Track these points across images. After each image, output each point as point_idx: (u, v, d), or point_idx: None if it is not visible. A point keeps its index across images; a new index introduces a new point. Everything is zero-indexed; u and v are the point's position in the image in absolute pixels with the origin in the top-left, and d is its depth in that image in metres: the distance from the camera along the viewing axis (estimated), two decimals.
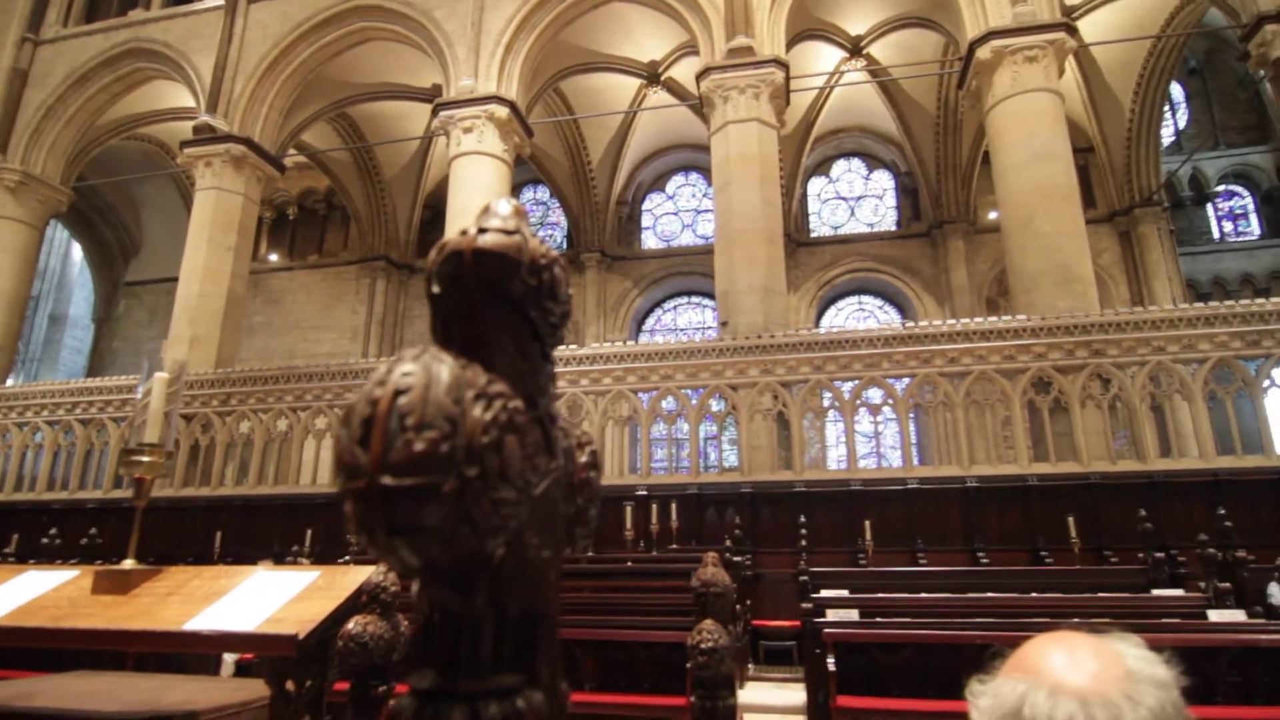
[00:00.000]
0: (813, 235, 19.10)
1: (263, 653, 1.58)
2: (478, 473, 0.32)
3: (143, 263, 21.05)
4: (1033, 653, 0.76)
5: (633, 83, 16.40)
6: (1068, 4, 13.00)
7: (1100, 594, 6.38)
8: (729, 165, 10.97)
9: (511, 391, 0.36)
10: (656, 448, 14.73)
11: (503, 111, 12.03)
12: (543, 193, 20.57)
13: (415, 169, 18.55)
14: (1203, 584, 6.19)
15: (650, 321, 19.76)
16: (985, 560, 8.28)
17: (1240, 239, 20.15)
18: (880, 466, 10.78)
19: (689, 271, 18.53)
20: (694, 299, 19.47)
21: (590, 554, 7.94)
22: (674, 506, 8.81)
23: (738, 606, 6.82)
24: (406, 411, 0.32)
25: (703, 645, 2.39)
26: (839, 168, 19.91)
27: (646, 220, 20.32)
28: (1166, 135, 19.92)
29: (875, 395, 9.57)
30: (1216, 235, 20.29)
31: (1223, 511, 7.27)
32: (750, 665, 7.45)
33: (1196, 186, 20.30)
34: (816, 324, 17.61)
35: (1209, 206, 20.43)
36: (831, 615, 5.23)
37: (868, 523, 8.40)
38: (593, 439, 0.51)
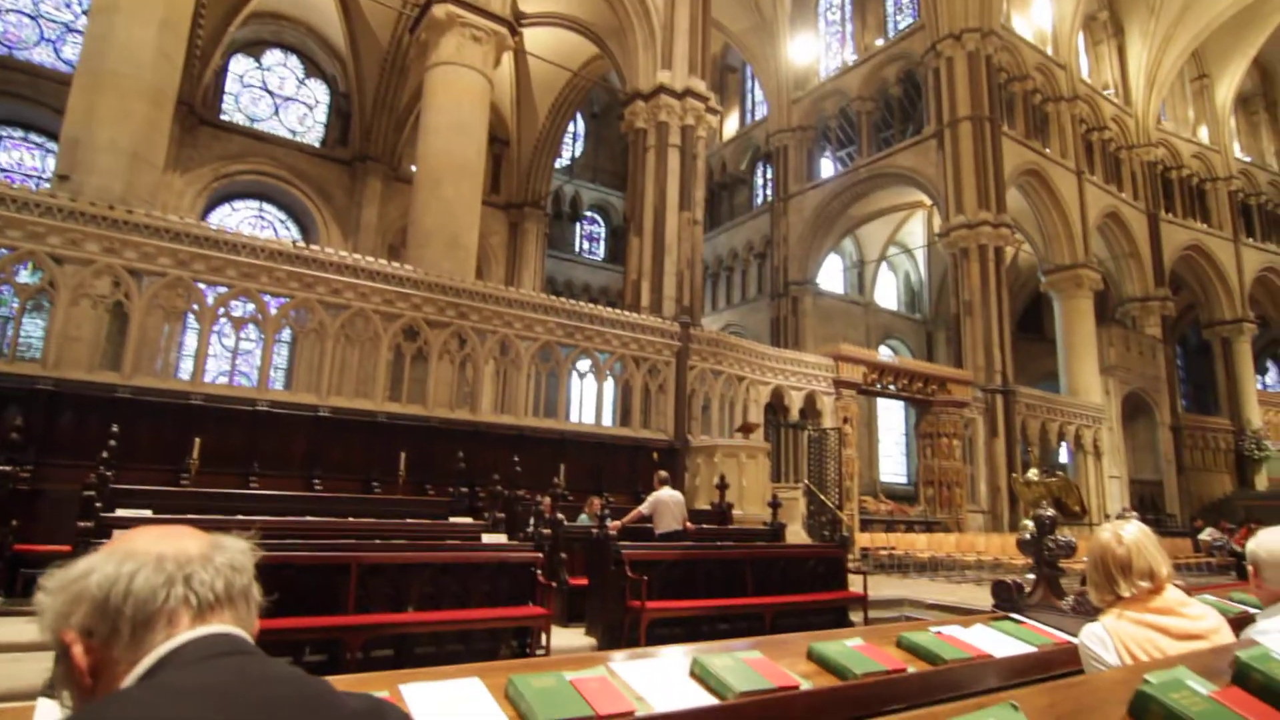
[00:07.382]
0: (223, 119, 16.69)
1: None
2: None
3: None
4: (126, 539, 0.77)
5: None
6: (520, 9, 14.45)
7: (408, 520, 7.21)
8: None
9: None
10: None
11: None
12: None
13: None
14: (487, 514, 7.59)
15: None
16: (320, 488, 8.48)
17: (592, 257, 25.80)
18: (231, 384, 10.00)
19: (30, 98, 14.01)
20: (31, 136, 14.81)
21: None
22: None
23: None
24: None
25: None
26: (273, 57, 17.93)
27: None
28: (566, 157, 24.08)
29: (245, 309, 8.83)
30: (577, 249, 25.48)
31: (516, 459, 9.08)
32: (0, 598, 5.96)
33: (574, 205, 25.13)
34: (203, 217, 15.40)
35: (578, 224, 25.52)
36: None
37: (199, 440, 7.68)
38: None
